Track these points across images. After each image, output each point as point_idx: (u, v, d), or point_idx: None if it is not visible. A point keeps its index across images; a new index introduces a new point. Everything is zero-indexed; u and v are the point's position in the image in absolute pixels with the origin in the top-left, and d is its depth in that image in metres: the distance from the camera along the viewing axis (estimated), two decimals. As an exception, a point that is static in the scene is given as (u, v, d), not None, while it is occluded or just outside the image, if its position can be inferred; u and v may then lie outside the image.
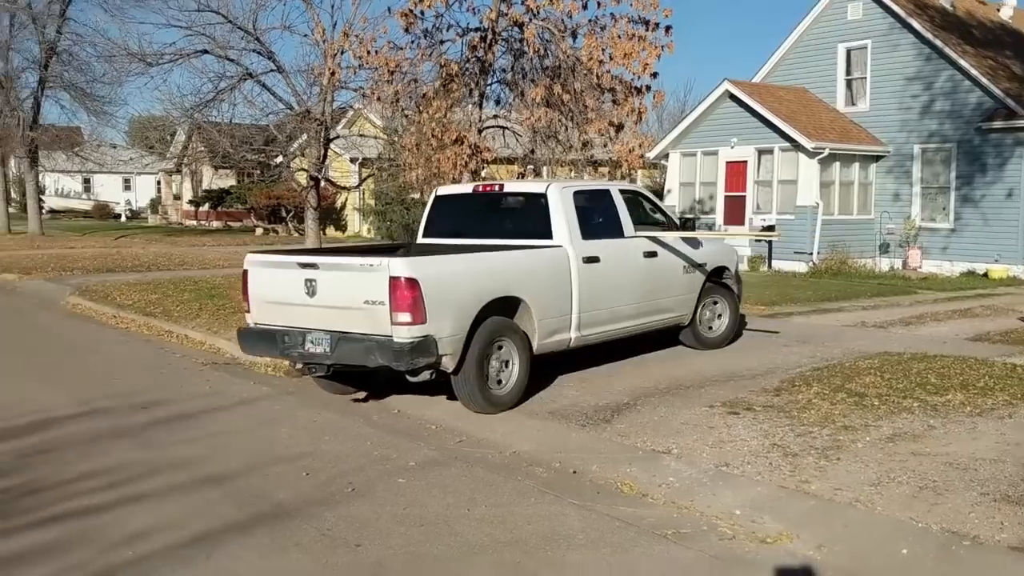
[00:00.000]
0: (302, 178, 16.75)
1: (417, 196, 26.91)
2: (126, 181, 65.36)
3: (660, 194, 24.02)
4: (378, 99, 12.56)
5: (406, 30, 12.39)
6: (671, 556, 4.74)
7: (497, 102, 13.65)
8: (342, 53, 13.42)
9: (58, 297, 15.46)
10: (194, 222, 47.58)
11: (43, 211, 37.73)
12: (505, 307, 7.77)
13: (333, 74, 13.60)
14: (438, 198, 9.75)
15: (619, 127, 12.37)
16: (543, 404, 7.79)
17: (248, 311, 8.04)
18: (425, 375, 7.34)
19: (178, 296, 14.56)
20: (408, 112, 13.17)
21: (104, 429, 6.89)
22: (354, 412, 7.84)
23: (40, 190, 37.36)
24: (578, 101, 12.09)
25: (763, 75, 23.59)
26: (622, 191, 9.65)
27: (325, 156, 16.50)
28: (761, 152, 21.31)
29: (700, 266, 10.17)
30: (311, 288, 7.38)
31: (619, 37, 11.62)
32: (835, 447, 6.28)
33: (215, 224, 45.60)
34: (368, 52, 12.29)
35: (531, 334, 8.02)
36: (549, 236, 8.59)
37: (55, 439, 6.56)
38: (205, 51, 15.41)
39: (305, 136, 17.28)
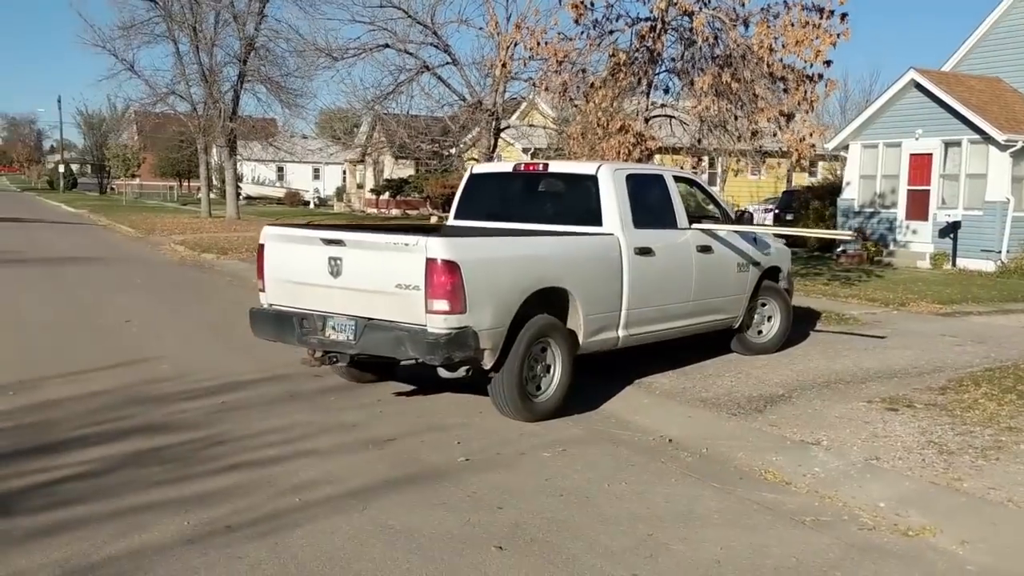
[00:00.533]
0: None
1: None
2: (315, 170, 69.02)
3: (839, 188, 23.19)
4: (546, 89, 12.84)
5: (576, 21, 12.59)
6: (805, 540, 4.75)
7: (666, 91, 13.66)
8: (515, 45, 13.78)
9: (249, 276, 16.72)
10: (375, 210, 49.74)
11: (240, 197, 40.48)
12: (548, 300, 7.02)
13: (504, 66, 14.00)
14: (474, 176, 8.99)
15: (789, 116, 12.12)
16: (695, 393, 7.83)
17: (263, 290, 7.35)
18: (460, 371, 6.69)
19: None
20: (576, 102, 13.39)
21: (282, 392, 7.50)
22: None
23: (238, 178, 40.03)
24: (748, 90, 11.94)
25: (953, 64, 22.28)
26: (676, 177, 8.94)
27: (495, 146, 16.97)
28: (948, 144, 20.15)
29: (755, 264, 9.40)
30: (336, 267, 6.69)
31: (792, 25, 11.38)
32: (996, 447, 6.04)
33: (394, 212, 47.51)
34: (538, 43, 12.57)
35: (576, 331, 7.35)
36: (598, 223, 7.85)
37: (239, 399, 7.22)
38: (387, 45, 16.17)
39: (478, 128, 17.80)
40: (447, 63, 16.62)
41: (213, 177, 49.81)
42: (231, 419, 6.63)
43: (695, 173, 11.92)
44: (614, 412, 7.44)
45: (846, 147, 22.44)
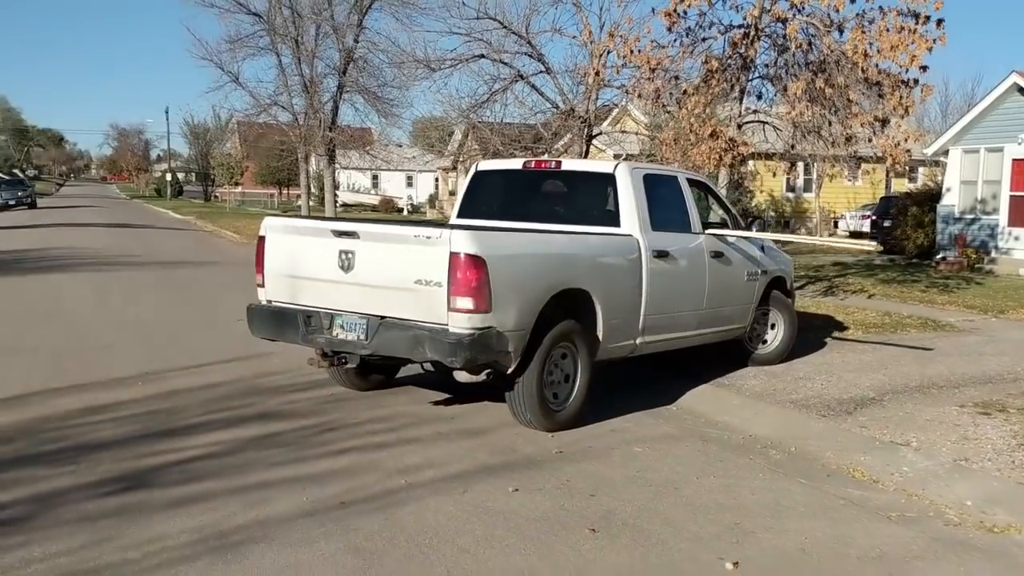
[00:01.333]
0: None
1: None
2: (408, 178, 70.37)
3: (938, 194, 22.69)
4: (639, 96, 13.05)
5: (669, 29, 12.75)
6: (889, 533, 4.88)
7: (759, 97, 13.71)
8: (607, 53, 14.02)
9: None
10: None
11: (337, 204, 41.64)
12: (569, 303, 6.66)
13: (597, 74, 14.25)
14: (479, 173, 8.49)
15: (884, 121, 12.06)
16: (785, 394, 7.94)
17: (261, 285, 6.97)
18: (480, 376, 6.37)
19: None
20: (669, 108, 13.56)
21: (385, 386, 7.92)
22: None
23: (335, 185, 41.18)
24: (842, 95, 11.93)
25: (1062, 65, 21.58)
26: (689, 180, 8.56)
27: (587, 153, 17.22)
28: (1055, 149, 19.56)
29: (764, 273, 9.07)
30: (347, 262, 6.32)
31: (887, 30, 11.34)
32: (1089, 451, 6.02)
33: (486, 218, 48.09)
34: (631, 51, 12.78)
35: (596, 336, 6.99)
36: (615, 223, 7.49)
37: (346, 391, 7.64)
38: (482, 55, 16.59)
39: (569, 135, 18.07)
40: (540, 71, 16.94)
41: (312, 185, 51.30)
42: (339, 409, 7.06)
43: (709, 176, 11.75)
44: (704, 412, 7.63)
45: (946, 152, 21.96)
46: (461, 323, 5.90)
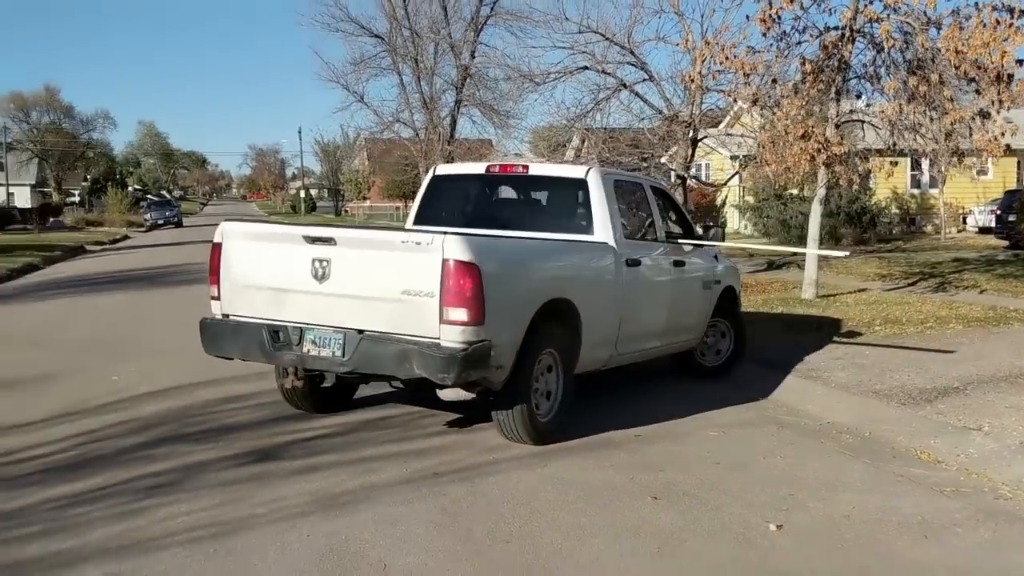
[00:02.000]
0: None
1: (796, 192, 27.23)
2: (529, 186, 71.37)
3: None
4: (734, 100, 13.40)
5: (764, 35, 13.09)
6: (938, 504, 5.25)
7: (858, 96, 13.84)
8: (704, 60, 14.43)
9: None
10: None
11: (459, 214, 42.85)
12: (553, 314, 6.30)
13: (693, 80, 14.66)
14: (437, 179, 8.09)
15: (986, 115, 12.05)
16: (869, 385, 8.21)
17: (216, 297, 6.40)
18: (470, 394, 5.98)
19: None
20: (765, 111, 13.86)
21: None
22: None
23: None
24: (937, 92, 11.99)
25: None
26: (652, 187, 8.34)
27: (692, 156, 17.59)
28: None
29: (717, 283, 8.85)
30: (321, 270, 5.85)
31: (983, 25, 11.37)
32: None
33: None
34: (727, 57, 13.16)
35: (577, 349, 6.69)
36: (587, 231, 7.23)
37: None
38: (585, 67, 17.22)
39: (676, 140, 18.44)
40: (644, 79, 17.44)
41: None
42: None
43: (669, 184, 11.62)
44: (786, 401, 8.03)
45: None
46: (454, 336, 5.51)
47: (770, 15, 12.78)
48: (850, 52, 12.56)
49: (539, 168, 8.26)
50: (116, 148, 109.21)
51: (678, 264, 8.21)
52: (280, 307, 6.11)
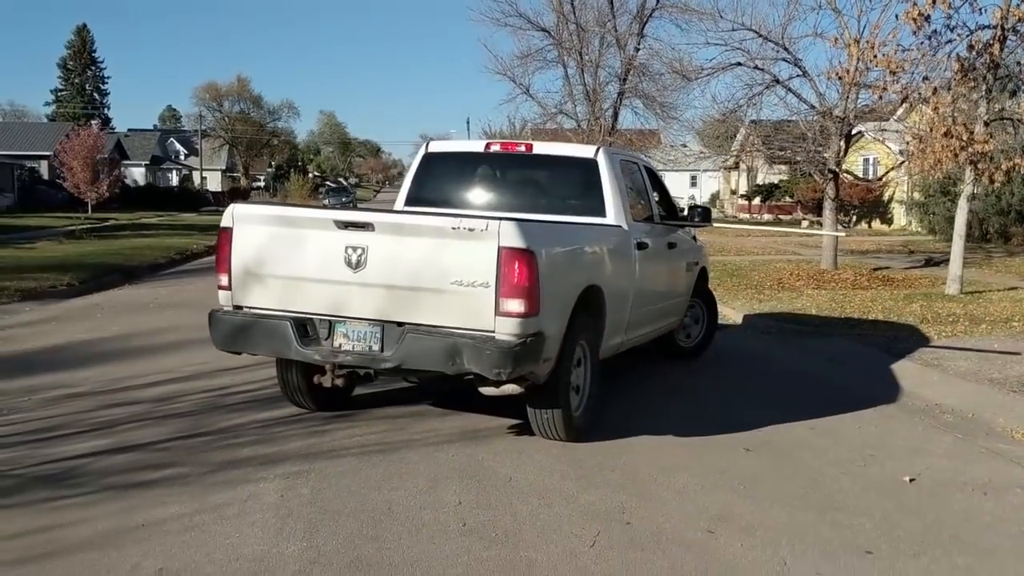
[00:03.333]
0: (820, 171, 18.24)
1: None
2: (692, 178, 71.12)
3: None
4: (879, 98, 13.68)
5: (914, 33, 13.32)
6: (1009, 472, 5.82)
7: (1012, 95, 13.82)
8: (855, 58, 14.73)
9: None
10: (747, 215, 50.68)
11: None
12: (585, 302, 6.03)
13: (843, 77, 14.96)
14: (429, 155, 7.69)
15: None
16: (987, 374, 8.61)
17: (226, 287, 5.91)
18: (514, 388, 5.59)
19: (705, 274, 17.30)
20: (915, 107, 14.06)
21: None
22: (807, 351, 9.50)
23: (616, 186, 43.09)
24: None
25: None
26: (646, 167, 8.23)
27: (846, 151, 17.80)
28: None
29: (696, 264, 9.00)
30: (356, 258, 5.43)
31: None
32: None
33: (766, 216, 48.14)
34: (875, 56, 13.47)
35: (601, 336, 6.49)
36: (599, 214, 6.98)
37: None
38: (739, 63, 17.74)
39: (832, 137, 18.63)
40: (797, 75, 17.78)
41: (595, 186, 53.69)
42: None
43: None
44: (900, 384, 8.54)
45: None
46: (510, 329, 5.21)
47: (920, 14, 13.00)
48: (999, 50, 12.62)
49: (544, 147, 8.11)
50: (299, 136, 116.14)
51: (671, 246, 8.22)
52: (306, 298, 5.68)
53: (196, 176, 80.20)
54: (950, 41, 13.21)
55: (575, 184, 7.39)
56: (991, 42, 12.83)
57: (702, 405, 7.54)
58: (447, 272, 5.29)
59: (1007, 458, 6.16)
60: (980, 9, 12.82)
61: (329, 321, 5.63)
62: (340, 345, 5.62)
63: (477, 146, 8.00)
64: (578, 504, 4.93)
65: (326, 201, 59.69)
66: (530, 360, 5.31)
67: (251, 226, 5.84)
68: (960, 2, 12.71)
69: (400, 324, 5.45)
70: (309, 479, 5.22)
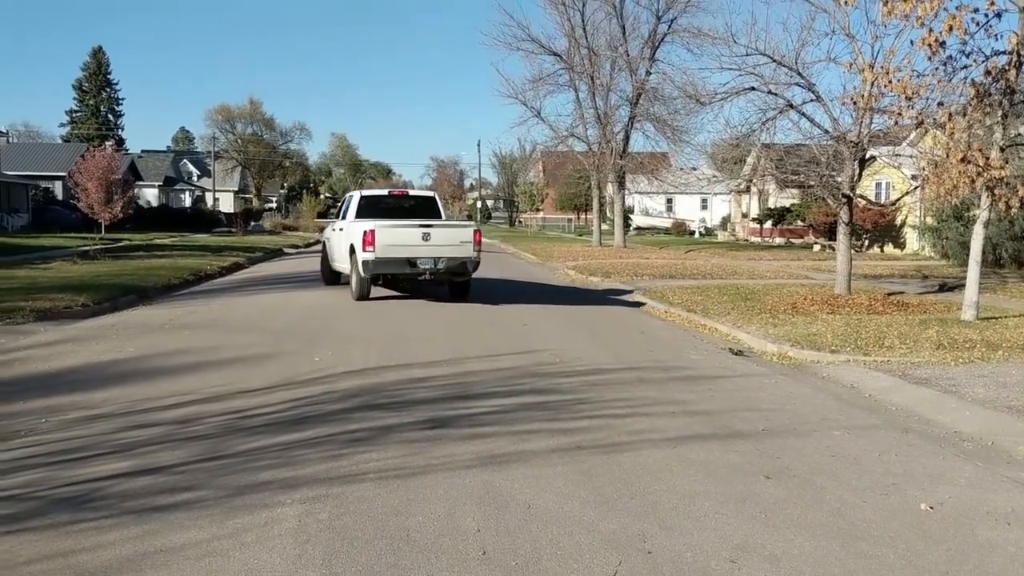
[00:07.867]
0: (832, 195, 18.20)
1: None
2: (703, 200, 71.25)
3: None
4: (895, 123, 13.67)
5: (929, 59, 13.32)
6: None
7: (1029, 120, 13.80)
8: (868, 83, 14.74)
9: (624, 294, 19.25)
10: (758, 238, 50.63)
11: (630, 228, 43.76)
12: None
13: (856, 103, 14.98)
14: (363, 197, 18.98)
15: None
16: (1006, 401, 8.55)
17: (372, 249, 16.47)
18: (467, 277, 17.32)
19: (719, 298, 17.25)
20: (932, 132, 14.03)
21: (633, 378, 9.55)
22: (826, 390, 9.46)
23: (628, 209, 43.30)
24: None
25: None
26: (438, 197, 20.16)
27: (860, 176, 17.78)
28: None
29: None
30: (426, 237, 16.80)
31: None
32: None
33: (777, 240, 48.06)
34: (889, 81, 13.48)
35: None
36: (439, 216, 18.92)
37: (601, 379, 9.38)
38: (752, 88, 17.77)
39: (845, 162, 18.60)
40: (811, 100, 17.80)
41: (607, 210, 53.98)
42: (592, 391, 8.81)
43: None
44: (918, 411, 8.50)
45: None
46: (475, 255, 16.45)
47: (935, 39, 13.01)
48: (1016, 76, 12.62)
49: (412, 192, 20.23)
50: (310, 158, 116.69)
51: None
52: (409, 251, 15.80)
53: (209, 197, 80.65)
54: (966, 67, 13.20)
55: (428, 208, 18.82)
56: (1007, 67, 12.83)
57: (719, 426, 7.50)
58: (457, 238, 16.12)
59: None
60: (996, 35, 12.82)
61: (417, 259, 15.77)
62: (423, 266, 15.81)
63: (384, 192, 20.07)
64: (599, 532, 4.90)
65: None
66: (474, 267, 16.47)
67: (382, 231, 15.87)
68: (975, 28, 12.70)
69: (441, 257, 15.88)
70: (327, 504, 5.22)
